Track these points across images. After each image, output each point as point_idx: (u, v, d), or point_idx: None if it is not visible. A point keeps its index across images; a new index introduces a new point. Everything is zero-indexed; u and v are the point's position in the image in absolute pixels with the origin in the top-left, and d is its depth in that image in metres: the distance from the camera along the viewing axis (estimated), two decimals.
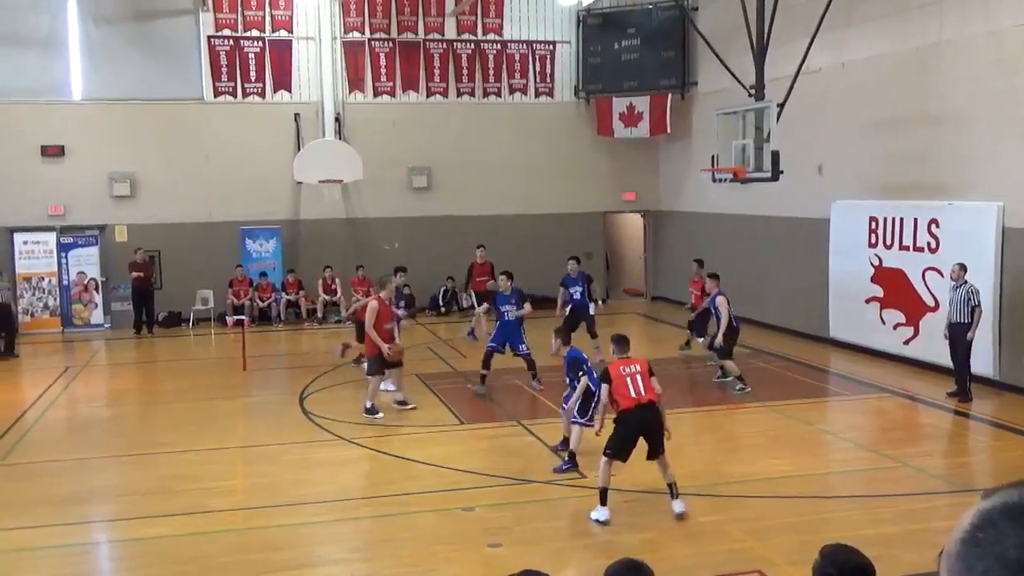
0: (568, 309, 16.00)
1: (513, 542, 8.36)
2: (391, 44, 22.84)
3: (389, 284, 13.07)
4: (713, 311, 14.87)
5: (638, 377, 8.82)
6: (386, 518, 9.14)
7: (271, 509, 9.35)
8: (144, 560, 8.26)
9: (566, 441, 10.64)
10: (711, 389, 14.56)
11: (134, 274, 20.78)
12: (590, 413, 10.10)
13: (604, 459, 8.77)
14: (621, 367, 8.93)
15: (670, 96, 22.81)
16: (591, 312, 16.09)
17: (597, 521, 8.72)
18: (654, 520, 8.88)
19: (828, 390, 14.87)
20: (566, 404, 10.80)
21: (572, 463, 10.25)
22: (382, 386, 13.37)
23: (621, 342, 9.31)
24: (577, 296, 15.93)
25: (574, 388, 10.47)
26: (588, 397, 10.21)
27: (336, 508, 9.45)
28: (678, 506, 8.80)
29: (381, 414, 12.85)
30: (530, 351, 14.17)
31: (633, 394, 8.74)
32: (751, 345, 17.75)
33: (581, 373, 10.40)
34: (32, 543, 8.54)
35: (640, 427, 8.78)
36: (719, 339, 14.31)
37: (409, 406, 13.31)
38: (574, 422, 10.39)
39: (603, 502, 8.77)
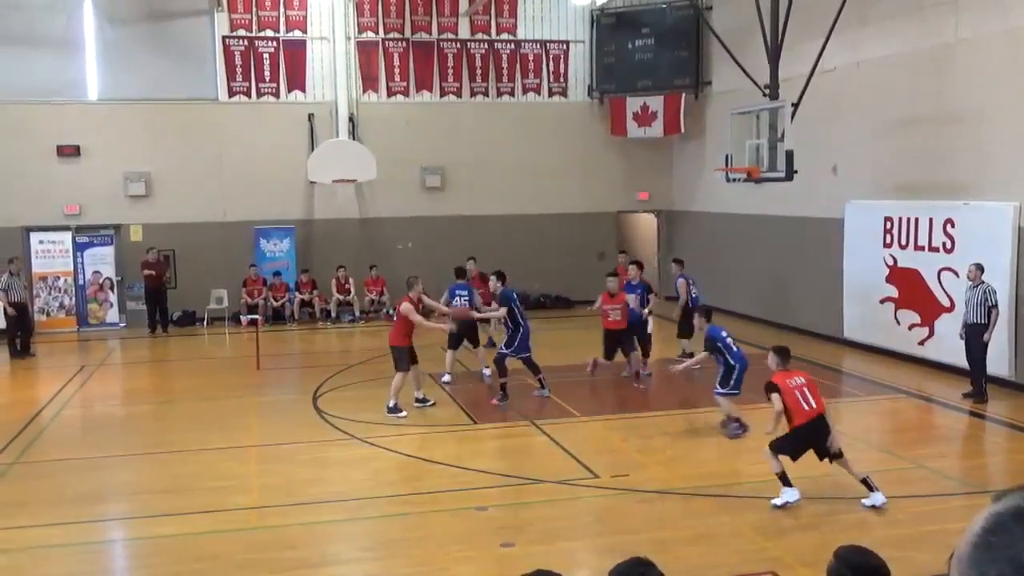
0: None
1: (526, 542, 8.36)
2: (405, 44, 22.86)
3: (416, 284, 13.34)
4: (676, 294, 15.83)
5: (806, 389, 9.10)
6: (399, 517, 9.16)
7: (285, 508, 9.38)
8: (160, 558, 8.30)
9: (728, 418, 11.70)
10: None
11: (146, 273, 20.88)
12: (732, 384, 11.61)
13: (771, 451, 9.15)
14: (787, 379, 9.20)
15: (684, 96, 22.77)
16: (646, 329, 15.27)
17: (786, 504, 8.98)
18: (667, 520, 8.87)
19: (842, 391, 14.80)
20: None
21: (741, 426, 11.48)
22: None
23: (783, 353, 9.60)
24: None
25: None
26: (728, 370, 11.65)
27: (349, 507, 9.47)
28: (878, 499, 8.95)
29: (404, 413, 12.91)
30: (508, 353, 13.58)
31: (805, 407, 9.02)
32: (765, 346, 17.67)
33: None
34: (49, 541, 8.59)
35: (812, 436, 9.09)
36: (676, 314, 15.81)
37: (429, 403, 13.41)
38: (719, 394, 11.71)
39: (787, 484, 9.06)
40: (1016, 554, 1.18)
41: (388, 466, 10.93)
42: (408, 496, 9.71)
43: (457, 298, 15.31)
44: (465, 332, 15.07)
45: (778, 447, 9.10)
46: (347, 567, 8.28)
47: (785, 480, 9.08)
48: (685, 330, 15.86)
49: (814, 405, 9.01)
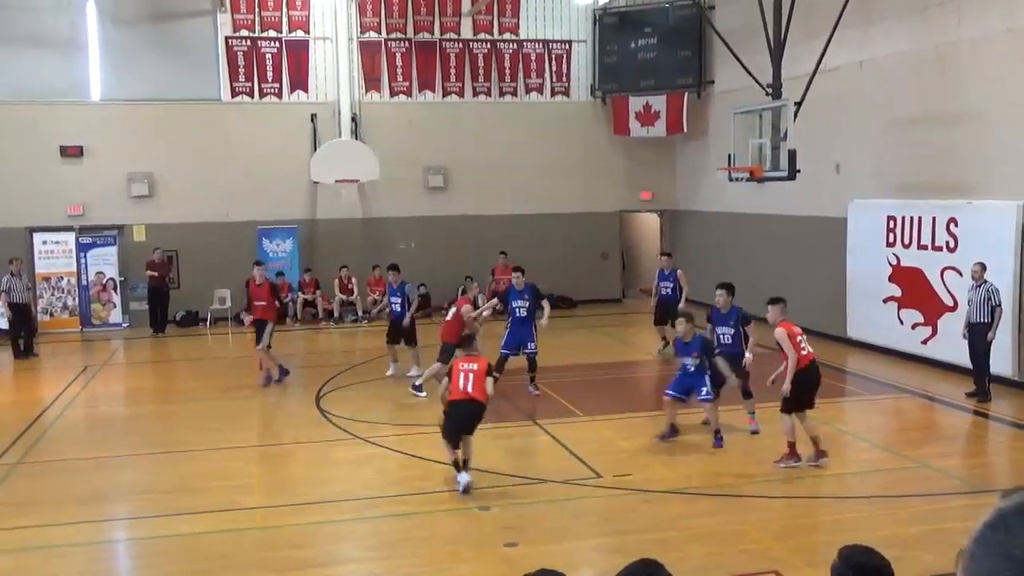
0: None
1: (529, 541, 8.36)
2: (407, 44, 22.88)
3: (472, 287, 14.01)
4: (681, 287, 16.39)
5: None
6: (403, 517, 9.17)
7: (290, 508, 9.40)
8: (166, 558, 8.31)
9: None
10: (727, 390, 14.49)
11: (149, 273, 20.91)
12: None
13: (786, 415, 10.06)
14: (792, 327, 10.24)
15: (687, 95, 22.77)
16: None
17: (788, 466, 10.03)
18: (670, 520, 8.87)
19: (846, 390, 14.78)
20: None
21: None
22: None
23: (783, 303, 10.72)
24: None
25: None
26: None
27: (354, 507, 9.49)
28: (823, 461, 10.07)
29: (425, 394, 13.54)
30: (536, 352, 14.09)
31: (806, 351, 10.23)
32: (769, 345, 17.68)
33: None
34: (54, 540, 8.61)
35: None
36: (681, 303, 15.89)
37: (422, 395, 13.71)
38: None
39: (793, 452, 10.14)
40: (1011, 549, 1.19)
41: (392, 466, 10.94)
42: (412, 496, 9.72)
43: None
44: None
45: (792, 405, 9.88)
46: (351, 566, 8.29)
47: (793, 449, 9.89)
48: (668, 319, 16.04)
49: (811, 350, 10.19)
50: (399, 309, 15.35)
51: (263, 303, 15.24)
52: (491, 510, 9.22)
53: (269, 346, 15.21)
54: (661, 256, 17.86)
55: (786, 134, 14.79)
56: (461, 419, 9.60)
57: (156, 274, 20.91)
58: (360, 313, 22.01)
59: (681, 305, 15.69)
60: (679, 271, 16.74)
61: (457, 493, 9.59)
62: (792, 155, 14.62)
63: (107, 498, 10.12)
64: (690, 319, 11.38)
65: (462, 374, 9.64)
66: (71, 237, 21.41)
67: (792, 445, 10.05)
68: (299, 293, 22.03)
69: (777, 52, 15.46)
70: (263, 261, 17.50)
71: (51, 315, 21.32)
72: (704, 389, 11.17)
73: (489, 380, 9.67)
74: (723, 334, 11.77)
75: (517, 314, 14.20)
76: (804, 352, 10.08)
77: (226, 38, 21.88)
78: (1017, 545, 1.19)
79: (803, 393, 10.05)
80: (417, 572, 7.93)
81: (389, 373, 15.54)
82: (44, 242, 21.30)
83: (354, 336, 20.82)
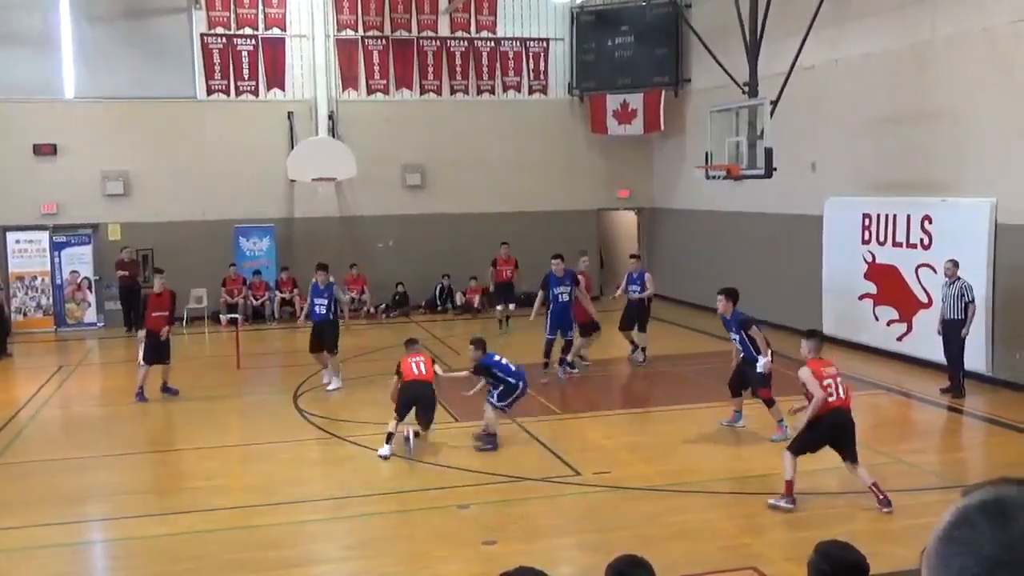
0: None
1: (508, 539, 8.37)
2: (384, 42, 22.81)
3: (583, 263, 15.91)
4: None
5: (838, 380, 8.86)
6: (382, 516, 9.15)
7: (267, 507, 9.35)
8: (141, 559, 8.25)
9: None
10: (703, 386, 14.57)
11: (120, 273, 20.74)
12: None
13: (791, 454, 8.87)
14: (821, 367, 8.91)
15: (664, 93, 22.82)
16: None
17: (777, 507, 8.74)
18: (650, 517, 8.90)
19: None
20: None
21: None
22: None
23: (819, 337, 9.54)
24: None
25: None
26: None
27: (332, 506, 9.46)
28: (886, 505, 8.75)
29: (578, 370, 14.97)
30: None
31: (833, 398, 8.78)
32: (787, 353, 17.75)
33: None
34: (29, 542, 8.53)
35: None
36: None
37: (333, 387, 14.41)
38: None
39: (790, 493, 8.82)
40: (978, 547, 1.20)
41: (370, 465, 10.90)
42: (390, 495, 9.70)
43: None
44: None
45: (800, 447, 8.86)
46: (330, 566, 8.27)
47: (789, 490, 8.81)
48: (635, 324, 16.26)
49: (843, 396, 8.81)
50: (323, 311, 14.54)
51: (164, 313, 14.52)
52: (470, 508, 9.22)
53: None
54: (631, 258, 17.65)
55: (763, 132, 14.88)
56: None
57: (127, 273, 20.73)
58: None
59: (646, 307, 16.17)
60: (647, 274, 16.59)
61: (436, 491, 9.59)
62: (769, 153, 14.70)
63: (82, 499, 10.02)
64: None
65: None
66: (45, 236, 21.20)
67: (789, 485, 8.84)
68: (276, 292, 21.93)
69: (753, 50, 15.54)
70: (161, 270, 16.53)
71: (25, 315, 21.11)
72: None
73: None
74: (733, 340, 11.70)
75: (560, 300, 14.75)
76: (832, 397, 8.75)
77: (201, 35, 21.73)
78: (984, 542, 1.19)
79: (819, 439, 8.88)
80: (395, 571, 7.92)
81: (326, 383, 14.66)
82: (17, 241, 21.08)
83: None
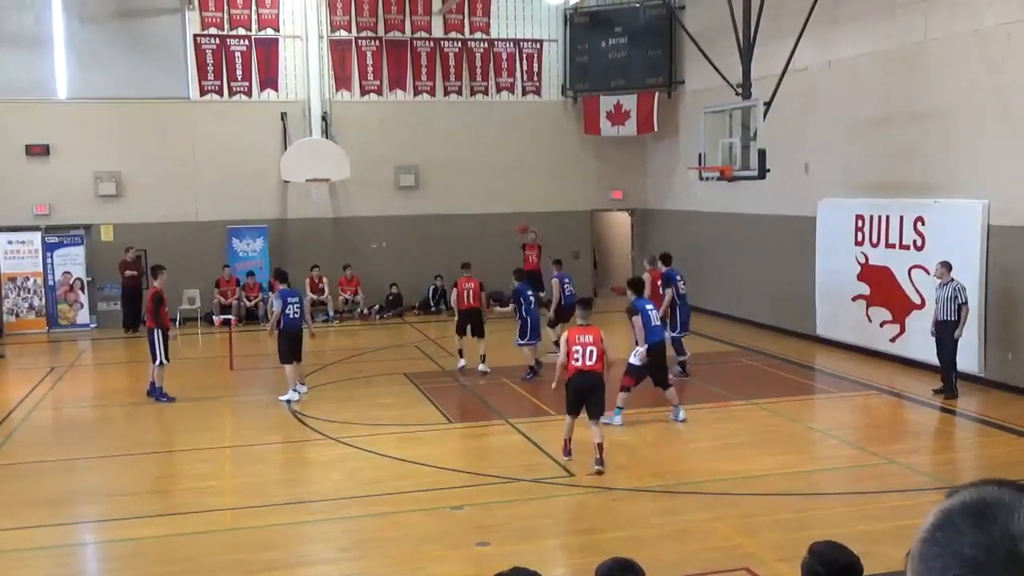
0: None
1: (502, 540, 8.37)
2: (378, 42, 22.79)
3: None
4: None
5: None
6: (375, 517, 9.14)
7: (260, 509, 9.34)
8: (134, 561, 8.23)
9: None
10: (697, 387, 14.60)
11: (127, 273, 20.66)
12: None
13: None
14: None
15: (657, 94, 22.85)
16: None
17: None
18: (642, 518, 8.91)
19: (815, 388, 14.92)
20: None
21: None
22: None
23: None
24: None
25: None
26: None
27: (325, 507, 9.45)
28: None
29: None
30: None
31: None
32: (739, 343, 17.82)
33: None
34: (21, 544, 8.50)
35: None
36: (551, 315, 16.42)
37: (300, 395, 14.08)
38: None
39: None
40: (960, 548, 1.20)
41: (363, 466, 10.90)
42: (384, 496, 9.69)
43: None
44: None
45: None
46: (323, 567, 8.25)
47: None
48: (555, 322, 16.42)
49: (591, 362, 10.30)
50: (296, 316, 14.31)
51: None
52: (463, 509, 9.22)
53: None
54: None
55: (756, 133, 14.90)
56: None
57: (135, 273, 20.63)
58: (331, 313, 21.91)
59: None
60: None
61: (429, 492, 9.58)
62: (762, 154, 14.72)
63: (75, 500, 10.00)
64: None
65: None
66: (37, 237, 21.13)
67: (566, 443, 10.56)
68: (269, 293, 21.86)
69: (747, 52, 15.57)
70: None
71: (17, 316, 21.04)
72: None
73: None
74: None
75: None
76: (577, 362, 10.25)
77: (195, 36, 21.69)
78: (967, 543, 1.20)
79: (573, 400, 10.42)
80: (389, 572, 7.91)
81: (302, 392, 14.32)
82: (9, 242, 21.01)
83: (325, 336, 20.69)
